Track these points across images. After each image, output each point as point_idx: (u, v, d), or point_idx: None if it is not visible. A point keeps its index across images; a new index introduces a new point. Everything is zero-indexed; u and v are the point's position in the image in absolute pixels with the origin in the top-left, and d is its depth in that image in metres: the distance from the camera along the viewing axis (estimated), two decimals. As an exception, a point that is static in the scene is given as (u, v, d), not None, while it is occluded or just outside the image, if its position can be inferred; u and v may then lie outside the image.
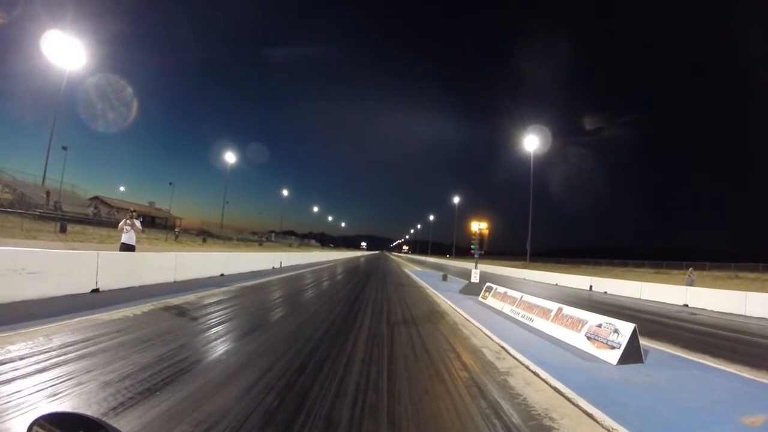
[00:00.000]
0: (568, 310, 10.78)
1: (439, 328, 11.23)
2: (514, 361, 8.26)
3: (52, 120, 48.70)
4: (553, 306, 11.62)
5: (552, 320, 11.20)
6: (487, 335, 10.58)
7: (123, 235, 13.97)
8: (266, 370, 6.29)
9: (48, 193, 51.78)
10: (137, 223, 14.31)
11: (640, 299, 24.58)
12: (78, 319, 8.19)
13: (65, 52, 47.10)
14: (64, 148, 60.66)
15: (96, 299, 10.36)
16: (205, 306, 11.32)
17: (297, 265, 34.51)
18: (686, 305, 21.42)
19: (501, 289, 16.29)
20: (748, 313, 17.98)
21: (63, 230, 33.41)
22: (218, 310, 10.87)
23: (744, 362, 8.78)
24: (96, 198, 76.25)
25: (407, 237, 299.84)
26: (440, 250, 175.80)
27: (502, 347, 9.32)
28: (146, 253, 15.40)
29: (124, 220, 14.13)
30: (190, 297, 12.33)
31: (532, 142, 67.66)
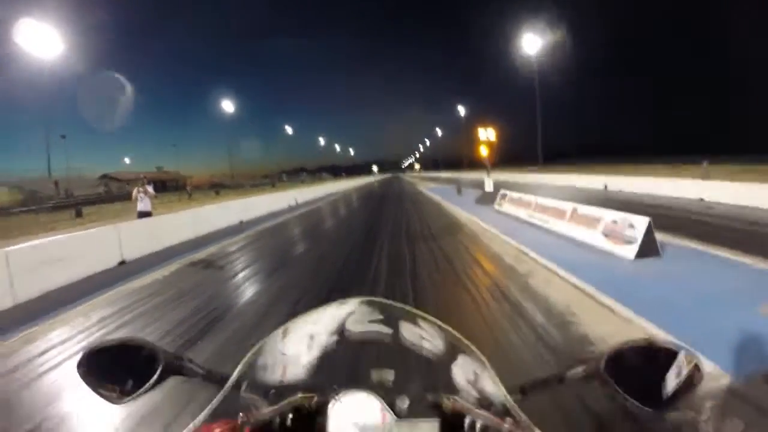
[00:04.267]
0: (583, 209, 10.80)
1: (458, 239, 11.46)
2: (534, 263, 8.45)
3: (46, 112, 48.19)
4: (568, 206, 11.62)
5: (568, 220, 11.25)
6: (505, 241, 10.76)
7: (138, 204, 14.11)
8: (295, 302, 6.61)
9: (56, 183, 52.04)
10: (150, 188, 14.40)
11: (655, 195, 24.21)
12: (110, 292, 8.45)
13: (44, 40, 45.57)
14: (63, 137, 60.42)
15: (124, 270, 10.64)
16: (228, 254, 11.65)
17: (312, 199, 34.81)
18: (702, 199, 21.20)
19: (515, 195, 16.30)
20: (764, 206, 17.78)
21: (79, 214, 33.48)
22: (241, 256, 11.20)
23: (760, 253, 8.62)
24: (104, 176, 76.89)
25: (417, 155, 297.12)
26: (452, 164, 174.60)
27: (521, 251, 9.51)
28: (164, 216, 15.60)
29: (136, 189, 14.23)
30: (213, 249, 12.66)
31: (533, 42, 65.67)
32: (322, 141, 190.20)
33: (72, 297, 8.28)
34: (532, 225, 12.99)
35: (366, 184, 74.95)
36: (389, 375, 0.97)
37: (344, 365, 0.99)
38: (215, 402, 0.95)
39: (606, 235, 9.34)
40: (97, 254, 10.84)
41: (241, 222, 19.18)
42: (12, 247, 8.86)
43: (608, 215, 9.59)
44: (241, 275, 9.00)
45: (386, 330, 1.08)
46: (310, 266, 9.26)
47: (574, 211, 11.10)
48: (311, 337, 1.07)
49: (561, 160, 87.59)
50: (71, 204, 39.76)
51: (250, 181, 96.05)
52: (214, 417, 0.89)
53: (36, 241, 10.16)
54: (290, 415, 0.88)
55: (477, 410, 0.89)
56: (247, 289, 7.85)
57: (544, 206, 13.11)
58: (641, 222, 8.55)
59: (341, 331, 1.08)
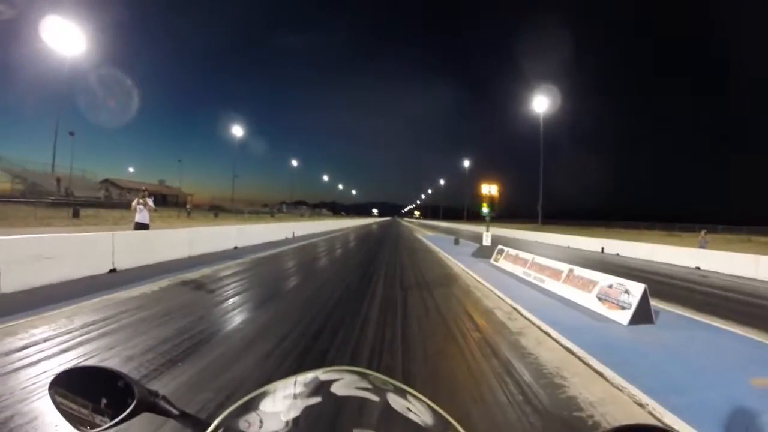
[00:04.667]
0: (579, 271, 10.83)
1: (452, 290, 11.37)
2: (526, 321, 8.38)
3: (58, 108, 48.62)
4: (564, 267, 11.68)
5: (563, 281, 11.28)
6: (499, 297, 10.71)
7: (136, 215, 14.12)
8: (283, 337, 6.46)
9: (58, 180, 52.00)
10: (150, 201, 14.43)
11: (651, 261, 24.32)
12: (97, 299, 8.39)
13: (66, 38, 46.70)
14: (71, 134, 60.67)
15: (113, 279, 10.58)
16: (221, 278, 11.53)
17: (310, 234, 34.81)
18: (698, 267, 21.24)
19: (512, 252, 16.35)
20: (759, 277, 17.78)
21: (76, 215, 33.49)
22: (233, 282, 11.07)
23: (754, 325, 8.67)
24: (106, 181, 76.68)
25: (418, 202, 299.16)
26: (452, 214, 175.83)
27: (514, 308, 9.44)
28: (160, 231, 15.61)
29: (136, 200, 14.26)
30: (206, 271, 12.56)
31: (540, 104, 67.03)
32: (326, 178, 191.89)
33: (58, 296, 8.30)
34: (527, 283, 12.96)
35: (365, 225, 75.14)
36: None
37: (327, 426, 0.96)
38: None
39: (600, 298, 9.36)
40: (89, 258, 10.91)
41: (236, 248, 19.12)
42: (5, 237, 8.90)
43: (604, 279, 9.62)
44: (230, 301, 8.89)
45: (373, 398, 1.05)
46: (300, 302, 9.15)
47: (571, 272, 11.14)
48: (295, 397, 1.04)
49: (561, 220, 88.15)
50: (70, 203, 39.69)
51: (250, 208, 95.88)
52: None
53: (29, 235, 10.15)
54: None
55: None
56: (235, 316, 7.73)
57: (541, 265, 13.16)
58: (637, 288, 8.59)
59: (326, 394, 1.05)
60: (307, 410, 0.97)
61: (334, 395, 1.05)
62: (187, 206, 59.52)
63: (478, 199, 21.22)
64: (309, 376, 1.17)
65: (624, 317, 8.39)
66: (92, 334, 6.18)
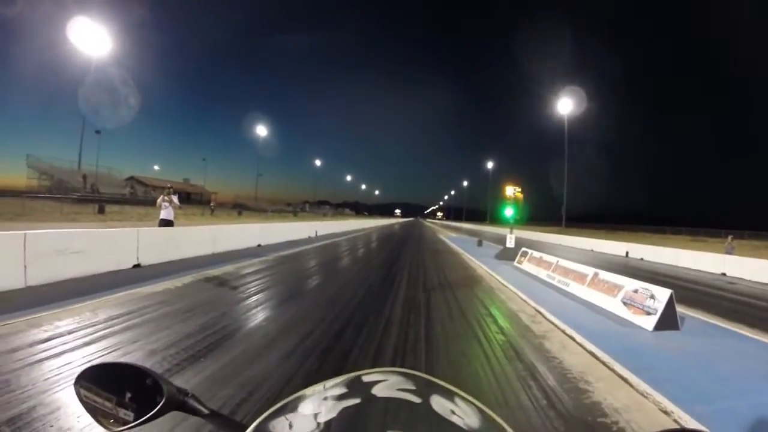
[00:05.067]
0: (604, 275, 10.64)
1: (475, 292, 11.23)
2: (550, 324, 8.25)
3: (84, 106, 49.42)
4: (589, 271, 11.49)
5: (588, 285, 11.09)
6: (522, 299, 10.56)
7: (161, 212, 14.21)
8: (305, 336, 6.42)
9: (84, 177, 52.84)
10: (175, 198, 14.51)
11: (676, 266, 23.90)
12: (122, 293, 8.43)
13: (93, 38, 47.43)
14: (98, 132, 61.42)
15: (137, 274, 10.65)
16: (244, 276, 11.55)
17: (332, 233, 34.78)
18: (724, 274, 20.80)
19: (536, 254, 16.16)
20: None
21: (101, 211, 33.97)
22: (256, 280, 11.08)
23: None
24: (132, 178, 77.67)
25: (441, 203, 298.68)
26: (475, 216, 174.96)
27: (538, 311, 9.30)
28: (184, 228, 15.73)
29: (162, 197, 14.35)
30: (229, 268, 12.59)
31: (565, 105, 66.35)
32: (349, 178, 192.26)
33: (82, 290, 8.36)
34: (551, 286, 12.78)
35: (387, 226, 75.07)
36: None
37: (360, 427, 0.91)
38: None
39: (625, 303, 9.19)
40: (115, 253, 11.01)
41: (260, 246, 19.21)
42: (32, 231, 8.96)
43: (630, 284, 9.45)
44: (253, 299, 8.89)
45: (414, 399, 0.99)
46: (323, 301, 9.14)
47: (596, 276, 10.96)
48: (334, 399, 0.99)
49: (584, 223, 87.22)
50: (96, 199, 40.29)
51: (273, 206, 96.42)
52: None
53: (56, 230, 10.26)
54: None
55: None
56: (257, 314, 7.73)
57: (566, 268, 12.97)
58: (663, 294, 8.39)
59: (366, 396, 1.01)
60: (344, 412, 0.93)
61: (374, 397, 1.01)
62: (211, 204, 60.08)
63: (503, 200, 21.01)
64: (352, 377, 1.14)
65: (649, 323, 8.21)
66: (116, 328, 6.21)
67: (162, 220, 14.19)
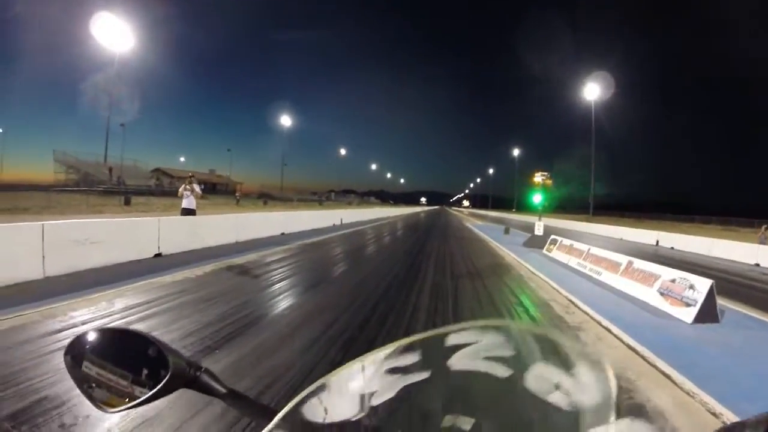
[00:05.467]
0: (639, 264, 10.13)
1: (504, 281, 10.83)
2: (584, 315, 7.83)
3: (109, 100, 50.10)
4: (623, 259, 10.99)
5: (621, 274, 10.59)
6: (554, 288, 10.12)
7: (183, 201, 14.06)
8: (330, 324, 6.16)
9: (110, 170, 53.56)
10: (197, 187, 14.35)
11: (708, 256, 23.12)
12: (140, 282, 8.26)
13: (117, 34, 47.89)
14: (122, 125, 62.27)
15: (159, 263, 10.51)
16: (267, 264, 11.34)
17: (357, 221, 34.53)
18: (757, 264, 20.04)
19: (567, 242, 15.64)
20: None
21: (127, 203, 34.37)
22: (279, 268, 10.85)
23: None
24: (157, 170, 78.58)
25: (467, 191, 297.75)
26: (501, 204, 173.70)
27: (571, 301, 8.87)
28: (207, 216, 15.61)
29: (183, 186, 14.19)
30: (252, 256, 12.38)
31: (592, 91, 65.22)
32: (374, 166, 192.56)
33: (101, 280, 8.19)
34: (582, 275, 12.29)
35: (413, 214, 74.69)
36: (468, 423, 0.68)
37: (416, 409, 0.75)
38: None
39: (662, 293, 8.68)
40: (135, 243, 10.86)
41: (283, 234, 19.00)
42: (50, 222, 8.82)
43: (666, 273, 8.94)
44: (276, 287, 8.65)
45: (501, 372, 0.72)
46: (347, 289, 8.87)
47: (630, 264, 10.47)
48: (391, 373, 0.76)
49: (612, 211, 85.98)
50: (122, 191, 40.81)
51: (299, 196, 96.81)
52: None
53: (75, 220, 10.13)
54: None
55: None
56: (280, 302, 7.48)
57: (597, 256, 12.47)
58: (703, 284, 7.88)
59: (435, 366, 0.76)
60: (400, 389, 0.73)
61: (443, 367, 0.76)
62: (237, 194, 60.59)
63: (532, 187, 20.50)
64: (416, 339, 0.82)
65: (688, 315, 7.72)
66: (132, 318, 6.05)
67: (184, 209, 14.04)
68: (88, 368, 0.88)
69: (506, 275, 11.75)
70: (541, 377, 0.72)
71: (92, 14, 46.34)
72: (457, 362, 0.76)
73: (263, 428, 0.70)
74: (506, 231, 28.89)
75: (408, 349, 0.81)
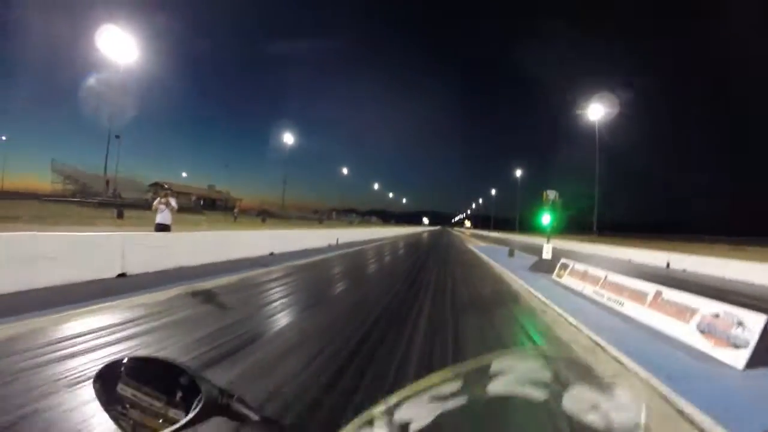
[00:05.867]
0: (671, 294, 8.67)
1: (513, 314, 9.43)
2: (616, 364, 6.34)
3: (110, 113, 49.98)
4: (649, 288, 9.51)
5: (650, 306, 9.13)
6: (572, 325, 8.62)
7: (157, 215, 12.76)
8: (294, 375, 4.77)
9: (107, 182, 53.09)
10: (173, 201, 13.07)
11: (724, 279, 21.72)
12: (89, 308, 7.13)
13: (120, 46, 47.73)
14: (117, 137, 61.85)
15: (119, 284, 9.28)
16: (239, 290, 10.04)
17: (355, 241, 32.98)
18: None
19: (580, 267, 14.17)
20: None
21: (120, 216, 33.64)
22: (254, 295, 9.62)
23: None
24: (155, 184, 78.26)
25: (469, 212, 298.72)
26: (503, 224, 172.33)
27: (596, 343, 7.34)
28: (184, 234, 14.29)
29: (158, 199, 12.91)
30: (226, 279, 11.06)
31: (596, 111, 64.67)
32: (376, 186, 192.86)
33: (45, 303, 7.14)
34: (601, 306, 10.80)
35: (414, 234, 73.62)
36: None
37: None
38: None
39: (703, 331, 7.20)
40: (97, 261, 9.80)
41: (272, 254, 17.65)
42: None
43: (706, 306, 7.48)
44: (239, 320, 7.24)
45: (539, 395, 0.79)
46: (333, 320, 7.69)
47: (658, 295, 9.00)
48: (432, 401, 0.77)
49: (617, 232, 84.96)
50: (117, 204, 40.43)
51: (297, 213, 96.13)
52: None
53: (28, 233, 8.98)
54: None
55: None
56: (244, 338, 6.12)
57: (618, 284, 10.96)
58: (754, 320, 6.46)
59: (475, 395, 0.79)
60: (439, 418, 0.76)
61: (484, 395, 0.80)
62: (235, 211, 59.90)
63: (540, 206, 19.24)
64: (459, 370, 0.83)
65: (738, 359, 6.26)
66: (63, 352, 4.96)
67: (158, 224, 12.75)
68: (119, 397, 0.86)
69: (515, 307, 10.33)
70: (577, 398, 0.79)
71: (96, 26, 46.51)
72: (493, 387, 0.79)
73: None
74: (510, 253, 27.37)
75: (446, 377, 0.82)
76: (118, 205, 39.48)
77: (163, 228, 12.70)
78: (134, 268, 10.54)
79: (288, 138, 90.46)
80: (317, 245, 24.42)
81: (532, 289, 12.84)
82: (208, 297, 8.86)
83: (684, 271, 25.54)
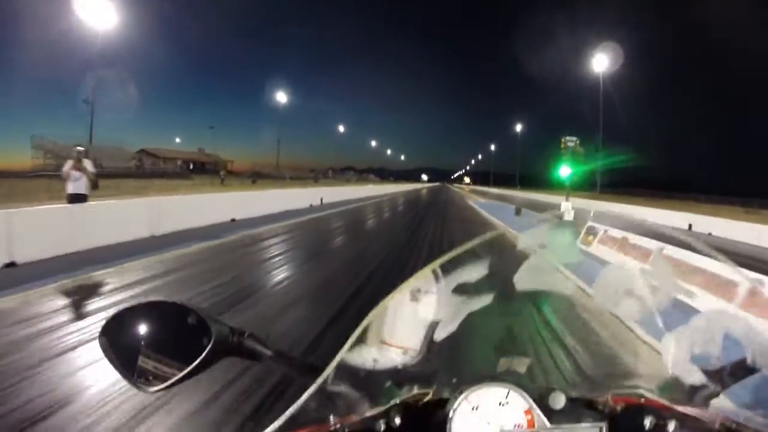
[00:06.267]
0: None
1: (543, 313, 6.20)
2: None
3: (91, 82, 47.82)
4: (738, 277, 5.80)
5: (744, 306, 5.90)
6: (626, 327, 5.54)
7: (69, 184, 9.77)
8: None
9: (87, 152, 50.35)
10: (89, 166, 10.12)
11: (759, 246, 18.19)
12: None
13: (99, 10, 44.32)
14: (85, 102, 59.12)
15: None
16: (156, 276, 7.57)
17: (344, 200, 29.95)
18: None
19: (615, 233, 10.82)
20: None
21: (95, 186, 31.06)
22: (174, 280, 7.42)
23: None
24: (142, 151, 75.77)
25: (468, 168, 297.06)
26: (503, 180, 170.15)
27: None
28: (104, 203, 11.66)
29: (69, 163, 9.92)
30: (145, 261, 8.62)
31: (600, 63, 61.45)
32: (374, 143, 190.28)
33: None
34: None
35: (412, 191, 71.79)
36: (523, 366, 0.80)
37: (472, 352, 0.73)
38: (301, 401, 0.70)
39: None
40: None
41: (233, 220, 14.84)
42: None
43: None
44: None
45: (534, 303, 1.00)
46: (283, 318, 5.70)
47: (759, 289, 5.73)
48: (427, 313, 0.84)
49: (620, 188, 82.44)
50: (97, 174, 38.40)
51: (292, 173, 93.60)
52: (298, 420, 0.70)
53: None
54: (398, 418, 0.70)
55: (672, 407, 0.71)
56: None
57: (684, 265, 7.37)
58: None
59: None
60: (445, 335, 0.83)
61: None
62: (221, 173, 57.31)
63: (558, 156, 16.54)
64: (452, 279, 0.93)
65: None
66: None
67: (71, 194, 9.83)
68: (126, 348, 0.80)
69: (547, 300, 7.21)
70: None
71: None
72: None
73: (313, 383, 0.70)
74: (517, 212, 23.63)
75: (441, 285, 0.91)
76: (98, 175, 37.22)
77: (78, 198, 9.86)
78: (29, 254, 8.10)
79: (282, 97, 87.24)
80: (296, 206, 21.30)
81: (559, 267, 9.79)
82: (101, 292, 6.48)
83: (710, 235, 21.81)
